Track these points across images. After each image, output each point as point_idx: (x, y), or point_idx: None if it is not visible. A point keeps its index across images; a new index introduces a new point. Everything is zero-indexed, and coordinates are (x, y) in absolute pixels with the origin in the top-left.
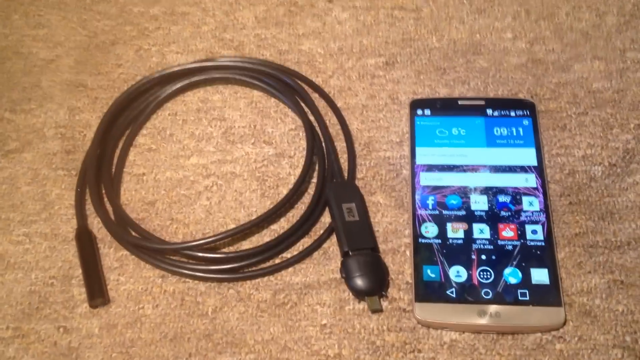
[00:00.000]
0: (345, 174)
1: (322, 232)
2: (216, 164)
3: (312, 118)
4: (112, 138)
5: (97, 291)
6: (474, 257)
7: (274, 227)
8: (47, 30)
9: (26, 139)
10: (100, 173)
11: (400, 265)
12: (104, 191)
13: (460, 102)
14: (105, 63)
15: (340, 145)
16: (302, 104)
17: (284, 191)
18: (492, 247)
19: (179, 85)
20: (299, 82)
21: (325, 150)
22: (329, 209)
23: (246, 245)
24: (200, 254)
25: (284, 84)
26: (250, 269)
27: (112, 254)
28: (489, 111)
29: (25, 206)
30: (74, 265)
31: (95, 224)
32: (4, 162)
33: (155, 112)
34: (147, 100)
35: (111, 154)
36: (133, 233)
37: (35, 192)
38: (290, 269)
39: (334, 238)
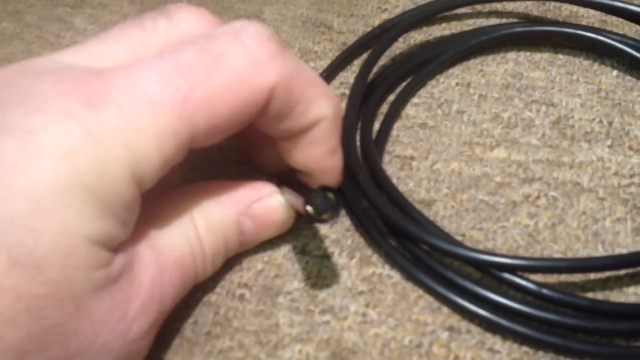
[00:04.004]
0: None
1: None
2: (544, 165)
3: None
4: (368, 103)
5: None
6: None
7: None
8: None
9: None
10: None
11: None
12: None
13: None
14: (362, 3)
15: None
16: None
17: None
18: None
19: (483, 38)
20: None
21: None
22: None
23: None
24: (544, 291)
25: None
26: None
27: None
28: None
29: None
30: None
31: None
32: None
33: (435, 77)
34: (424, 56)
35: (369, 123)
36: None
37: None
38: None
39: None
